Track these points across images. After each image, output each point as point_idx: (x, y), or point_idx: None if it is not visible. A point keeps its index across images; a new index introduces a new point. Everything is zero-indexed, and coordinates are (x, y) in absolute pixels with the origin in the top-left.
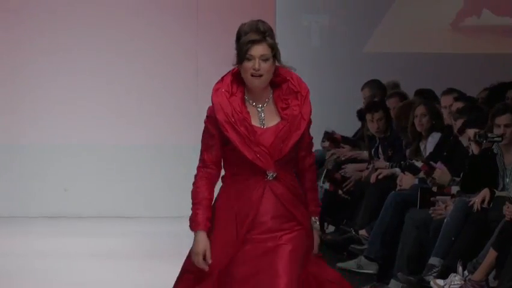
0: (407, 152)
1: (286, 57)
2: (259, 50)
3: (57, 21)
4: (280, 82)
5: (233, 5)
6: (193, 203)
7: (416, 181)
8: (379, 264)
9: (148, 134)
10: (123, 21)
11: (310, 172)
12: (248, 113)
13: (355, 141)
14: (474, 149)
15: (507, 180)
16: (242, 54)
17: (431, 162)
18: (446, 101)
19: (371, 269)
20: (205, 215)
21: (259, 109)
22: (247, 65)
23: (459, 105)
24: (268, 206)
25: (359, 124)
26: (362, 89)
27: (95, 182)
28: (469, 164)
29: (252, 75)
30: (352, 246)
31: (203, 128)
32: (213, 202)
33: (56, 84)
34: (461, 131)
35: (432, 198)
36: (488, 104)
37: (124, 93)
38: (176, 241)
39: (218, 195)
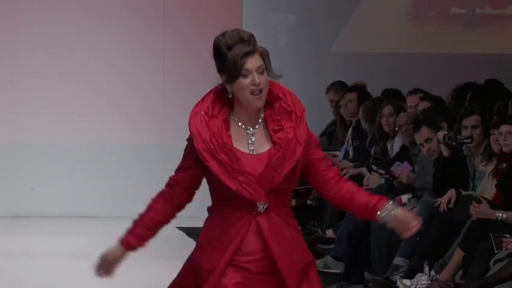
0: (372, 150)
1: None
2: (254, 62)
3: (24, 21)
4: (272, 100)
5: (200, 5)
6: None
7: (383, 181)
8: (346, 264)
9: (113, 133)
10: (90, 21)
11: (343, 181)
12: (229, 136)
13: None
14: (444, 151)
15: (477, 181)
16: (236, 71)
17: (392, 170)
18: (412, 100)
19: (337, 268)
20: (135, 233)
21: (249, 132)
22: (245, 81)
23: (425, 104)
24: (248, 245)
25: (324, 124)
26: (327, 91)
27: (61, 182)
28: (439, 166)
29: (252, 93)
30: (319, 245)
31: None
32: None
33: (23, 84)
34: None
35: None
36: (455, 104)
37: (91, 93)
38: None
39: (202, 228)
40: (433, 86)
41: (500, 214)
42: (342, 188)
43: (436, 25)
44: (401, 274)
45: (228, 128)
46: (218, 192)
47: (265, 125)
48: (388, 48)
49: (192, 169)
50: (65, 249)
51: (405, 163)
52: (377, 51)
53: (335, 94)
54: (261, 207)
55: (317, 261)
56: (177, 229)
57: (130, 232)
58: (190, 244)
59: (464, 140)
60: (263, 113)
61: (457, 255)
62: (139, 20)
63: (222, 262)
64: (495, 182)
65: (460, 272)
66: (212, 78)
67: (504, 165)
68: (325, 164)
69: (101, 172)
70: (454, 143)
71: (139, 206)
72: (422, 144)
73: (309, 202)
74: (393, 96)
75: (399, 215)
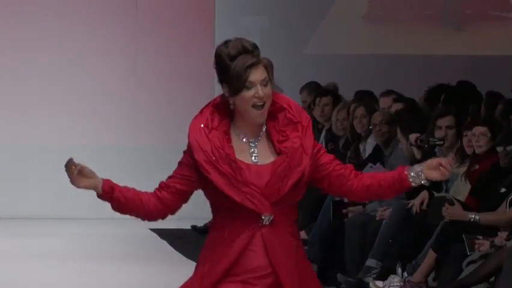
0: (348, 153)
1: None
2: (258, 74)
3: None
4: (275, 112)
5: (173, 6)
6: None
7: None
8: (318, 265)
9: (87, 134)
10: (61, 21)
11: (360, 175)
12: (231, 147)
13: None
14: (416, 153)
15: (449, 183)
16: (240, 83)
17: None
18: (385, 102)
19: None
20: (115, 185)
21: (251, 144)
22: (248, 94)
23: (398, 106)
24: (252, 260)
25: None
26: (301, 92)
27: (35, 183)
28: None
29: (254, 106)
30: None
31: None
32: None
33: None
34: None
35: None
36: (428, 106)
37: (62, 93)
38: (115, 243)
39: (205, 243)
40: (406, 87)
41: (473, 216)
42: (362, 178)
43: (409, 27)
44: (374, 276)
45: (229, 140)
46: (220, 205)
47: (268, 136)
48: (361, 50)
49: (185, 179)
50: (39, 251)
51: (378, 164)
52: (350, 52)
53: (308, 95)
54: (265, 219)
55: None
56: (150, 231)
57: (112, 183)
58: (163, 246)
59: (437, 142)
60: (265, 125)
61: (430, 256)
62: (111, 22)
63: (220, 273)
64: (468, 183)
65: (433, 274)
66: (185, 79)
67: (477, 166)
68: (338, 163)
69: None
70: (426, 145)
71: (109, 208)
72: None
73: None
74: (366, 98)
75: (427, 164)
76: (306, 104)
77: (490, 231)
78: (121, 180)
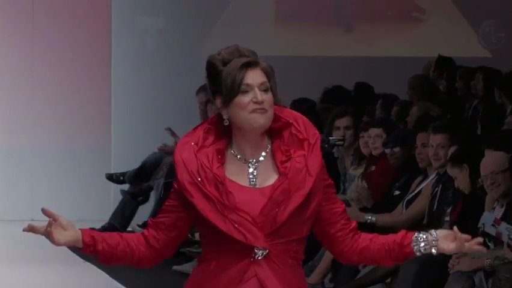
0: None
1: (123, 60)
2: (256, 76)
3: None
4: (281, 129)
5: (69, 7)
6: None
7: None
8: None
9: None
10: None
11: (362, 235)
12: (220, 167)
13: None
14: None
15: (347, 184)
16: (234, 86)
17: None
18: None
19: None
20: (95, 233)
21: (250, 164)
22: (244, 99)
23: (296, 107)
24: None
25: (194, 125)
26: (197, 93)
27: None
28: None
29: (254, 111)
30: (188, 249)
31: None
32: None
33: None
34: None
35: None
36: (324, 107)
37: None
38: (11, 244)
39: (188, 280)
40: (303, 88)
41: (369, 217)
42: (358, 238)
43: (306, 28)
44: None
45: (222, 160)
46: (207, 235)
47: (273, 158)
48: (258, 50)
49: (175, 211)
50: None
51: None
52: None
53: (205, 96)
54: (259, 253)
55: (186, 264)
56: None
57: (90, 231)
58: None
59: (337, 142)
60: (270, 145)
61: (326, 258)
62: (7, 23)
63: None
64: (365, 184)
65: (330, 275)
66: (81, 80)
67: (373, 168)
68: (345, 217)
69: None
70: (326, 145)
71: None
72: None
73: None
74: None
75: (442, 234)
76: (202, 105)
77: (386, 232)
78: (21, 183)
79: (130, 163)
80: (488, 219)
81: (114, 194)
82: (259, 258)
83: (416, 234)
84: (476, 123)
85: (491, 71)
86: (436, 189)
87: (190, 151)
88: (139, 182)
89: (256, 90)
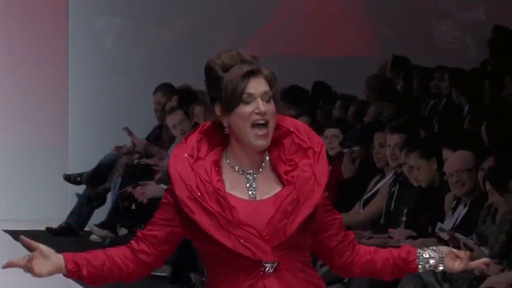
0: None
1: (80, 60)
2: (259, 86)
3: None
4: (281, 137)
5: (25, 6)
6: None
7: None
8: (172, 266)
9: None
10: None
11: (362, 247)
12: (220, 180)
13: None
14: None
15: None
16: (236, 95)
17: None
18: None
19: (164, 271)
20: (77, 257)
21: (248, 177)
22: (246, 110)
23: None
24: None
25: (152, 125)
26: (154, 93)
27: None
28: None
29: (254, 125)
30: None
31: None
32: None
33: None
34: None
35: None
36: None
37: None
38: None
39: None
40: None
41: None
42: (359, 250)
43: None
44: None
45: (220, 172)
46: (210, 253)
47: (273, 168)
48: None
49: (167, 225)
50: None
51: None
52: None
53: (163, 96)
54: (268, 266)
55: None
56: (3, 232)
57: (72, 256)
58: (17, 248)
59: None
60: (267, 155)
61: None
62: None
63: None
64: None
65: None
66: (38, 79)
67: (331, 167)
68: (344, 228)
69: None
70: None
71: None
72: None
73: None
74: None
75: (446, 251)
76: (160, 105)
77: None
78: None
79: (87, 162)
80: (444, 227)
81: (71, 194)
82: (270, 272)
83: (420, 251)
84: (433, 122)
85: (457, 71)
86: (393, 188)
87: (185, 164)
88: (95, 183)
89: (259, 100)
